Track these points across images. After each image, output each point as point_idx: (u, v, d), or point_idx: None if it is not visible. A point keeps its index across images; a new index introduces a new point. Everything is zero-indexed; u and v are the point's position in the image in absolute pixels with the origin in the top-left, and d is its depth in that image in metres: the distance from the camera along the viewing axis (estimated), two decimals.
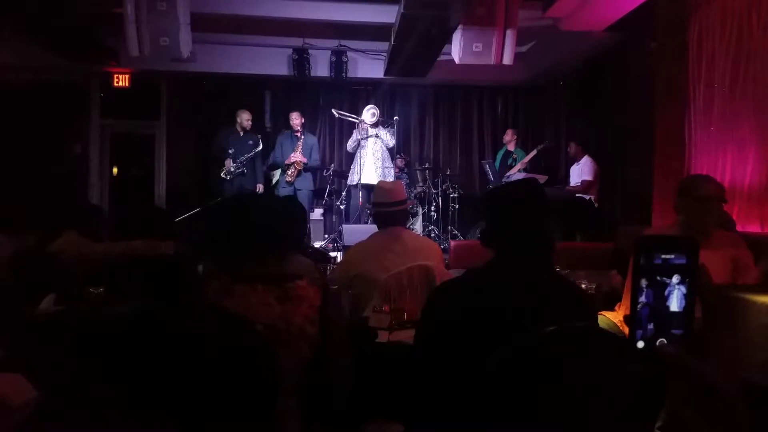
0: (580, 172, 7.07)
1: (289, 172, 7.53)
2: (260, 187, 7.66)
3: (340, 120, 8.89)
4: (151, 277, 2.47)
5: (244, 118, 7.58)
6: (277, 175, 7.86)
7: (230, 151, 7.46)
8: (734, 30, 4.83)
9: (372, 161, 7.43)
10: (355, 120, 7.63)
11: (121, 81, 8.25)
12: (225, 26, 7.28)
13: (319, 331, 1.60)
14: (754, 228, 4.47)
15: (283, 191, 7.55)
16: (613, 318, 2.51)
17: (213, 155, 7.70)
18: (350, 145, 7.71)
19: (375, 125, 7.47)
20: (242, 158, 7.43)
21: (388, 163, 7.50)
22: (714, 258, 2.58)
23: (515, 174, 7.63)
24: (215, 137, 7.78)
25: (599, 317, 2.55)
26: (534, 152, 7.83)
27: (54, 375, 1.65)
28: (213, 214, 1.89)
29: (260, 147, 7.53)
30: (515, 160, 7.88)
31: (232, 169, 7.40)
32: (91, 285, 2.67)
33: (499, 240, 1.66)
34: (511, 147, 8.13)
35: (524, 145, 8.44)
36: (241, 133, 7.60)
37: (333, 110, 7.98)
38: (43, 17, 5.87)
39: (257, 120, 8.67)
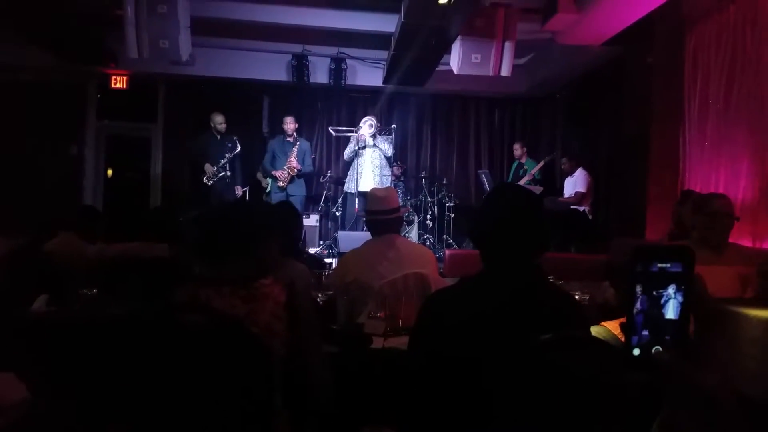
0: (574, 184, 7.11)
1: (283, 177, 7.51)
2: (239, 189, 7.59)
3: (339, 126, 8.92)
4: (145, 280, 2.47)
5: (218, 121, 7.47)
6: (269, 181, 7.84)
7: (209, 156, 7.40)
8: (729, 46, 4.88)
9: (370, 169, 7.43)
10: (353, 134, 7.62)
11: (119, 83, 8.23)
12: (225, 31, 7.29)
13: (287, 327, 1.62)
14: (746, 243, 4.50)
15: (275, 197, 7.51)
16: (613, 329, 2.52)
17: (194, 161, 7.64)
18: (347, 154, 7.70)
19: (373, 136, 7.48)
20: (222, 162, 7.36)
21: (386, 171, 7.51)
22: (723, 273, 2.62)
23: (522, 184, 7.65)
24: (194, 143, 7.71)
25: (600, 327, 2.56)
26: (542, 163, 7.85)
27: (45, 375, 1.65)
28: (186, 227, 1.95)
29: (238, 149, 7.42)
30: (525, 171, 7.91)
31: (215, 173, 7.34)
32: (85, 286, 2.67)
33: (485, 247, 1.67)
34: (522, 159, 8.15)
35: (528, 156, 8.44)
36: (218, 137, 7.51)
37: (330, 129, 8.02)
38: (42, 18, 5.87)
39: (255, 125, 8.69)
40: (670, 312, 0.96)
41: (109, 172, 9.02)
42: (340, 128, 7.93)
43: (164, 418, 1.39)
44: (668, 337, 0.96)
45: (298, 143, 7.57)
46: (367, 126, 7.41)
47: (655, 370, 0.96)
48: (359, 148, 7.46)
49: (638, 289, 0.95)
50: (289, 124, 7.57)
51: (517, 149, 8.19)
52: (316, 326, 1.82)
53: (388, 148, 7.49)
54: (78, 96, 8.58)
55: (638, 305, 0.96)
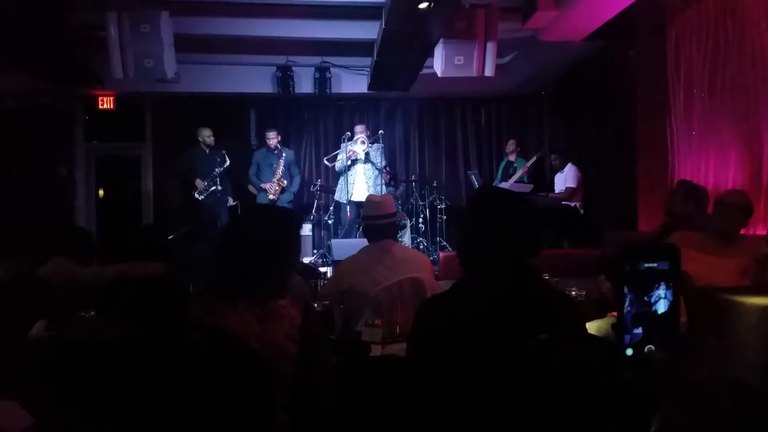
0: (564, 179, 7.14)
1: (273, 190, 7.54)
2: (231, 201, 7.62)
3: (326, 135, 9.00)
4: (141, 299, 2.47)
5: (206, 135, 7.51)
6: (257, 194, 7.85)
7: (198, 171, 7.43)
8: (711, 36, 4.92)
9: (363, 181, 7.46)
10: (343, 147, 7.63)
11: (106, 103, 8.23)
12: (209, 46, 7.29)
13: (300, 350, 1.61)
14: None
15: None
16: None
17: (182, 177, 7.66)
18: (339, 167, 7.71)
19: (366, 153, 7.52)
20: (211, 176, 7.39)
21: (379, 181, 7.53)
22: (725, 264, 2.66)
23: (511, 183, 7.65)
24: (183, 159, 7.69)
25: (601, 321, 2.57)
26: (533, 159, 7.85)
27: (47, 401, 1.64)
28: (204, 233, 1.90)
29: (228, 163, 7.46)
30: (515, 170, 7.92)
31: (206, 187, 7.36)
32: (82, 309, 2.66)
33: (474, 253, 1.67)
34: (512, 157, 8.14)
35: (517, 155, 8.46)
36: (207, 151, 7.53)
37: (324, 160, 8.17)
38: (26, 42, 5.86)
39: (243, 138, 8.70)
40: (660, 308, 0.98)
41: (101, 192, 9.01)
42: (332, 155, 7.99)
43: None
44: (659, 333, 0.98)
45: (283, 155, 7.61)
46: (359, 144, 7.45)
47: (649, 369, 0.97)
48: (351, 162, 7.49)
49: (627, 288, 0.97)
50: (272, 139, 7.61)
51: (512, 145, 8.15)
52: (327, 348, 1.81)
53: (380, 161, 7.53)
54: (66, 118, 8.56)
55: (628, 305, 0.97)
